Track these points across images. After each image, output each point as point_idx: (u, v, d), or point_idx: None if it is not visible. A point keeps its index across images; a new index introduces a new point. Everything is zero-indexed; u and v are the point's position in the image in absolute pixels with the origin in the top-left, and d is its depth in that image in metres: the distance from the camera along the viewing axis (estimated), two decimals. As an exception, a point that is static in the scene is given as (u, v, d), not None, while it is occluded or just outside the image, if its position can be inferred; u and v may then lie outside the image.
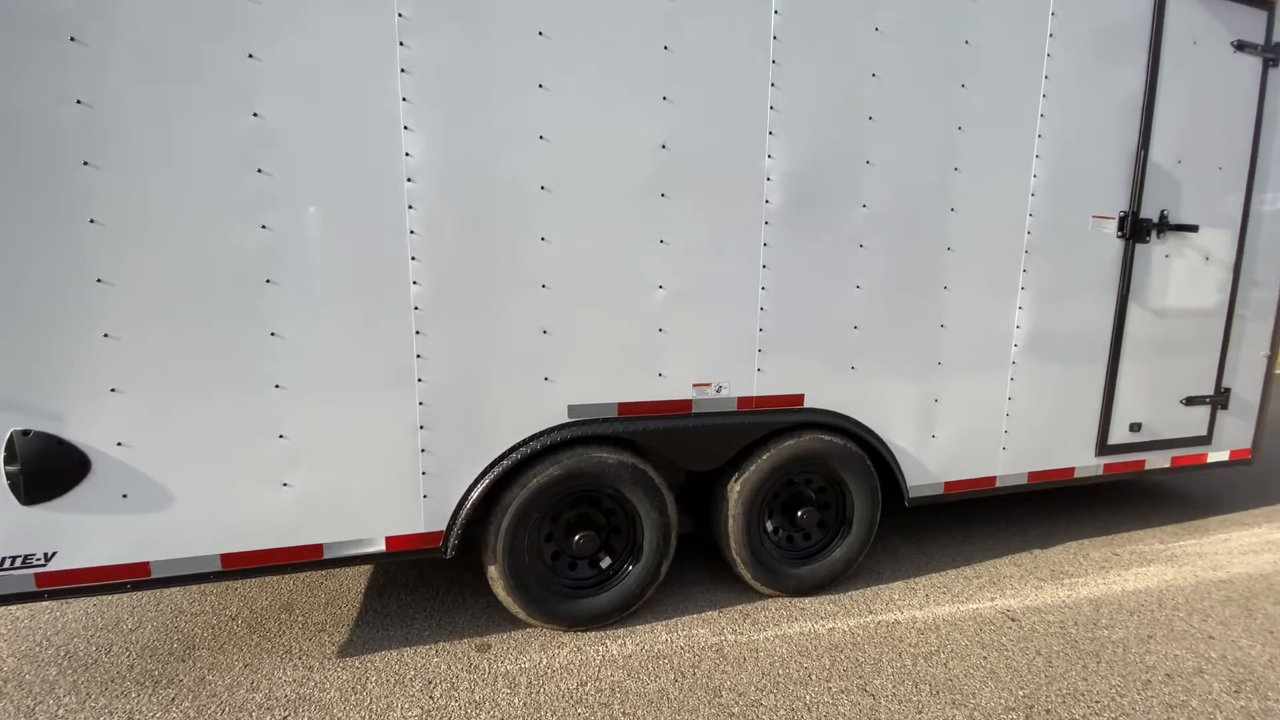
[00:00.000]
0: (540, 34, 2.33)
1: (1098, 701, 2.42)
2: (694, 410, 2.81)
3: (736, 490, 2.95)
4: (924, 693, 2.46)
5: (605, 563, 2.88)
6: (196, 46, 2.04)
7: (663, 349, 2.70)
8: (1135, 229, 3.42)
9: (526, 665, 2.57)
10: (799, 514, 3.12)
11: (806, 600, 3.11)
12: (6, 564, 2.11)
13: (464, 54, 2.27)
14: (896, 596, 3.17)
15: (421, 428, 2.45)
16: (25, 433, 2.05)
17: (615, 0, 2.39)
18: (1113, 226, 3.39)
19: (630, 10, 2.42)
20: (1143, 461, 3.78)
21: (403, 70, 2.21)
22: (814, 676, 2.54)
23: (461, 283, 2.41)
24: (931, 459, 3.28)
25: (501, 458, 2.56)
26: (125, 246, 2.06)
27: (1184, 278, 3.63)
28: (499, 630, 2.79)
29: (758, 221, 2.74)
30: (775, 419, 2.95)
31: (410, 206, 2.29)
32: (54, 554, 2.15)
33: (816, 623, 2.92)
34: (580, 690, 2.42)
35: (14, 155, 1.94)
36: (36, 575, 2.14)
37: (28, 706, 2.31)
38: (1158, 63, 3.30)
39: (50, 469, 2.08)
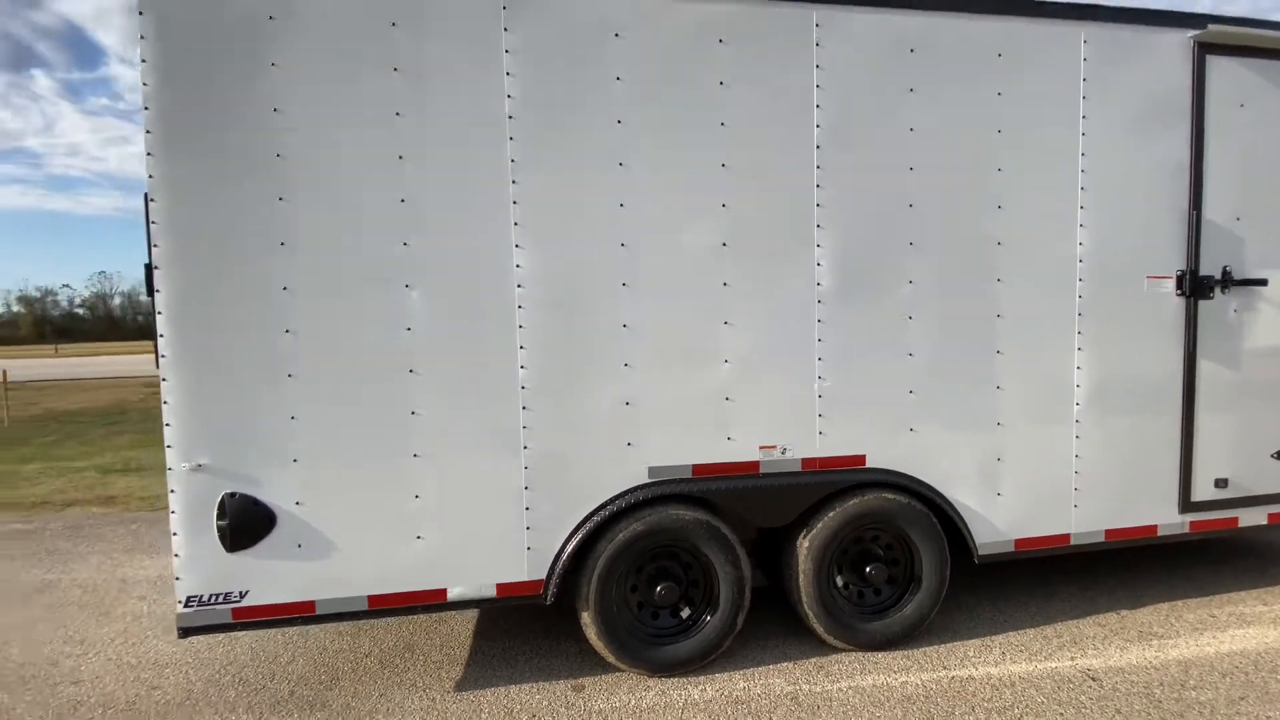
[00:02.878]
0: (620, 164, 2.87)
1: (1180, 762, 2.43)
2: (761, 470, 3.11)
3: (806, 546, 3.19)
4: (996, 745, 2.55)
5: (685, 613, 3.16)
6: (362, 193, 2.70)
7: (731, 415, 3.05)
8: (1195, 286, 3.48)
9: (618, 704, 2.86)
10: (868, 570, 3.29)
11: (879, 655, 3.24)
12: (211, 600, 2.68)
13: (561, 184, 2.83)
14: (971, 653, 3.24)
15: (526, 489, 2.90)
16: (232, 495, 2.65)
17: (680, 132, 2.91)
18: (1170, 285, 3.48)
19: (693, 140, 2.92)
20: (1235, 519, 3.67)
21: (514, 202, 2.79)
22: (886, 725, 2.68)
23: (560, 365, 2.89)
24: (999, 516, 3.38)
25: (593, 514, 2.95)
26: (309, 349, 2.68)
27: (1259, 331, 3.62)
28: (591, 673, 3.11)
29: (811, 302, 3.09)
30: (838, 478, 3.19)
31: (520, 306, 2.83)
32: (246, 592, 2.71)
33: (889, 676, 3.05)
34: (665, 728, 2.69)
35: (237, 283, 2.62)
36: (232, 610, 2.70)
37: (221, 717, 2.85)
38: (1202, 127, 3.44)
39: (248, 523, 2.66)
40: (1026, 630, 3.46)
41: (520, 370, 2.87)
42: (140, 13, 2.53)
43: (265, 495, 2.69)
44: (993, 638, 3.39)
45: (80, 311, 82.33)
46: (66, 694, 3.12)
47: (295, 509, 2.71)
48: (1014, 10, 3.22)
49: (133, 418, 14.16)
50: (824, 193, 3.06)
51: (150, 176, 2.55)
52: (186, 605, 2.67)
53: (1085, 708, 2.77)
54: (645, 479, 3.01)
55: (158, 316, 2.59)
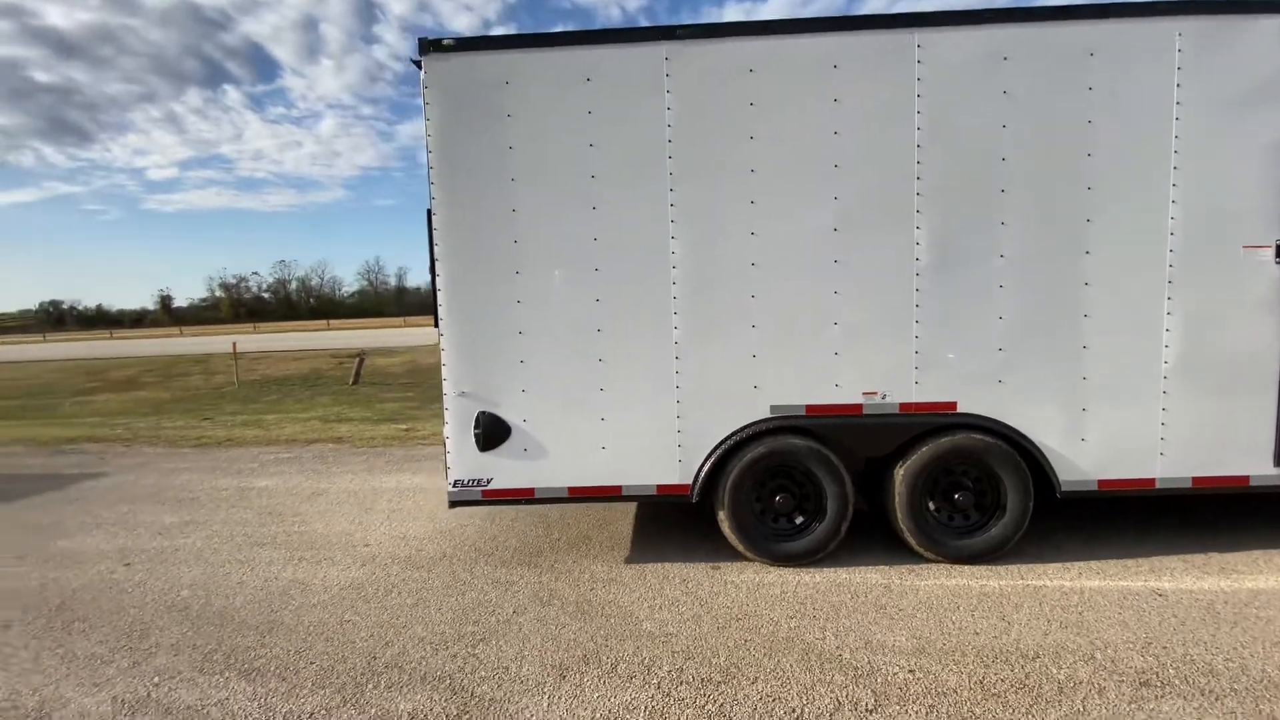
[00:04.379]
0: (752, 171, 3.73)
1: (1217, 649, 2.95)
2: (864, 412, 3.88)
3: (901, 474, 3.92)
4: (1054, 625, 3.20)
5: (799, 520, 4.03)
6: (566, 203, 3.78)
7: (838, 367, 3.84)
8: (1296, 254, 3.72)
9: (746, 580, 3.82)
10: (956, 497, 3.96)
11: (965, 566, 3.91)
12: (469, 483, 3.95)
13: (707, 188, 3.75)
14: (1051, 571, 3.82)
15: (678, 416, 3.89)
16: (484, 413, 3.89)
17: (801, 142, 3.71)
18: (1269, 254, 3.74)
19: (811, 147, 3.71)
20: (1339, 474, 3.87)
21: (671, 204, 3.75)
22: (961, 607, 3.41)
23: (703, 325, 3.84)
24: (1083, 458, 3.89)
25: (727, 438, 3.89)
26: (532, 314, 3.84)
27: (1370, 296, 3.76)
28: (725, 560, 4.08)
29: (910, 274, 3.78)
30: (932, 420, 3.88)
31: (674, 283, 3.80)
32: (490, 480, 3.95)
33: (971, 580, 3.74)
34: (784, 593, 3.61)
35: (486, 269, 3.81)
36: (482, 491, 3.96)
37: (468, 566, 4.17)
38: (1307, 105, 3.65)
39: (494, 433, 3.89)
40: (1109, 560, 3.96)
41: (674, 330, 3.85)
42: (425, 86, 3.75)
43: (504, 414, 3.90)
44: (1074, 563, 3.93)
45: (265, 295, 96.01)
46: (362, 551, 4.60)
47: (522, 424, 3.91)
48: (1106, 14, 3.65)
49: (327, 382, 17.10)
50: (923, 183, 3.72)
51: (433, 198, 3.80)
52: (454, 486, 3.96)
53: (1144, 612, 3.31)
54: (767, 414, 3.89)
55: (438, 293, 3.85)
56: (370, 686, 2.90)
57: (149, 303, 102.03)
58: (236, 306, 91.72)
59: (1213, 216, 3.74)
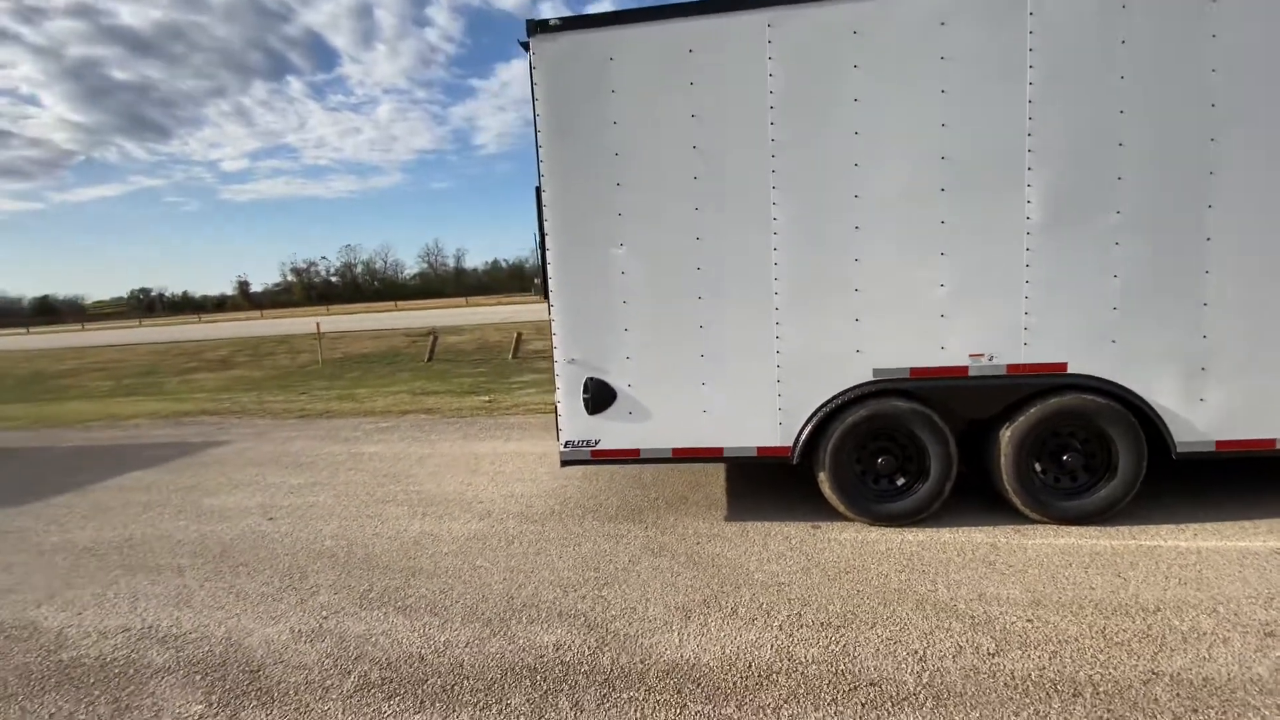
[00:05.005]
0: (856, 133, 3.75)
1: (1353, 604, 2.89)
2: (970, 374, 3.89)
3: (1007, 435, 3.92)
4: (1172, 581, 3.20)
5: (900, 481, 4.11)
6: (667, 176, 3.90)
7: (944, 329, 3.85)
8: None
9: (848, 538, 3.94)
10: (1065, 458, 3.94)
11: (1073, 527, 3.91)
12: (579, 444, 4.21)
13: (810, 152, 3.80)
14: (1164, 532, 3.78)
15: (778, 380, 4.01)
16: (592, 379, 4.11)
17: (906, 101, 3.69)
18: None
19: (917, 106, 3.69)
20: None
21: (773, 171, 3.82)
22: (1073, 564, 3.44)
23: (804, 290, 3.92)
24: (1201, 419, 3.79)
25: (827, 402, 3.99)
26: (635, 284, 4.01)
27: None
28: (825, 519, 4.21)
29: (1020, 234, 3.73)
30: (1040, 382, 3.86)
31: (775, 249, 3.89)
32: (599, 441, 4.19)
33: (1081, 539, 3.74)
34: (889, 549, 3.72)
35: (592, 241, 4.00)
36: (591, 451, 4.21)
37: (578, 521, 4.45)
38: None
39: (602, 397, 4.12)
40: (1224, 522, 3.87)
41: (775, 295, 3.95)
42: (533, 67, 3.93)
43: (610, 379, 4.12)
44: (1188, 525, 3.87)
45: (334, 279, 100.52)
46: (478, 508, 4.96)
47: (628, 389, 4.12)
48: (1239, -49, 3.45)
49: (404, 359, 17.95)
50: (1035, 140, 3.65)
51: (541, 175, 4.00)
52: (565, 447, 4.23)
53: (1266, 570, 3.26)
54: (870, 378, 3.96)
55: (547, 266, 4.07)
56: (514, 621, 3.20)
57: (228, 288, 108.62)
58: (308, 290, 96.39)
59: (1355, 163, 3.52)
